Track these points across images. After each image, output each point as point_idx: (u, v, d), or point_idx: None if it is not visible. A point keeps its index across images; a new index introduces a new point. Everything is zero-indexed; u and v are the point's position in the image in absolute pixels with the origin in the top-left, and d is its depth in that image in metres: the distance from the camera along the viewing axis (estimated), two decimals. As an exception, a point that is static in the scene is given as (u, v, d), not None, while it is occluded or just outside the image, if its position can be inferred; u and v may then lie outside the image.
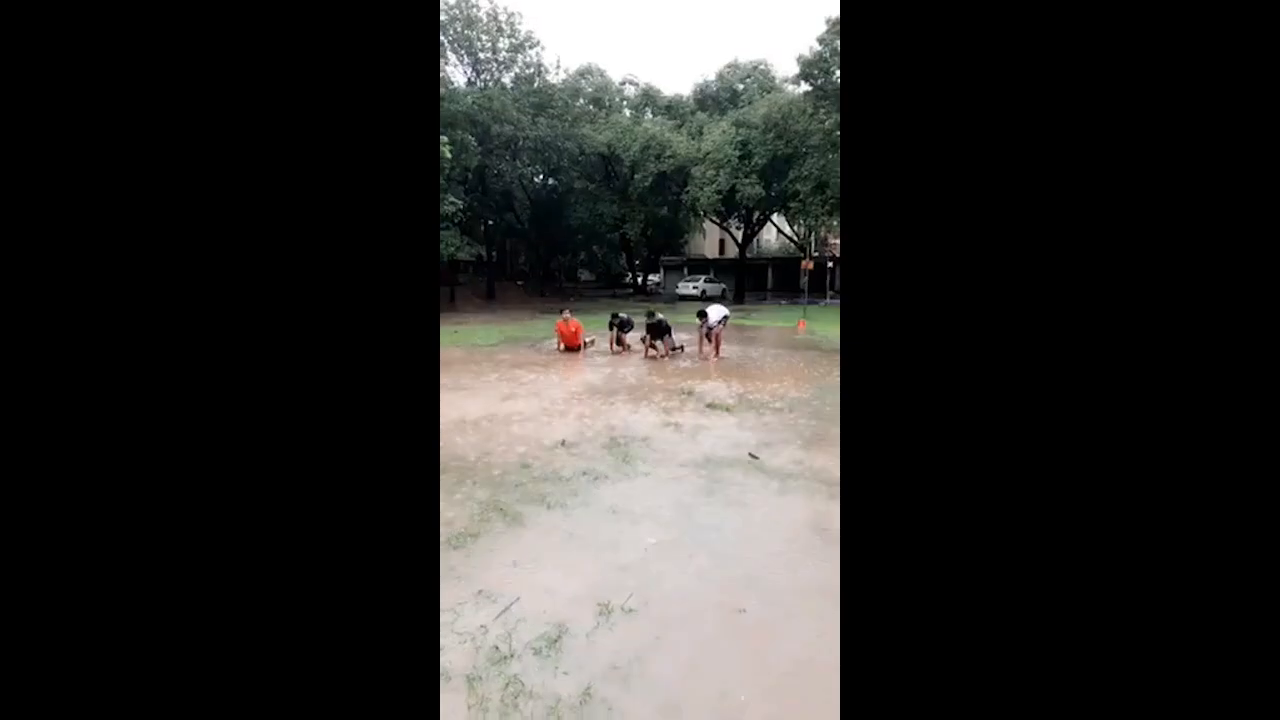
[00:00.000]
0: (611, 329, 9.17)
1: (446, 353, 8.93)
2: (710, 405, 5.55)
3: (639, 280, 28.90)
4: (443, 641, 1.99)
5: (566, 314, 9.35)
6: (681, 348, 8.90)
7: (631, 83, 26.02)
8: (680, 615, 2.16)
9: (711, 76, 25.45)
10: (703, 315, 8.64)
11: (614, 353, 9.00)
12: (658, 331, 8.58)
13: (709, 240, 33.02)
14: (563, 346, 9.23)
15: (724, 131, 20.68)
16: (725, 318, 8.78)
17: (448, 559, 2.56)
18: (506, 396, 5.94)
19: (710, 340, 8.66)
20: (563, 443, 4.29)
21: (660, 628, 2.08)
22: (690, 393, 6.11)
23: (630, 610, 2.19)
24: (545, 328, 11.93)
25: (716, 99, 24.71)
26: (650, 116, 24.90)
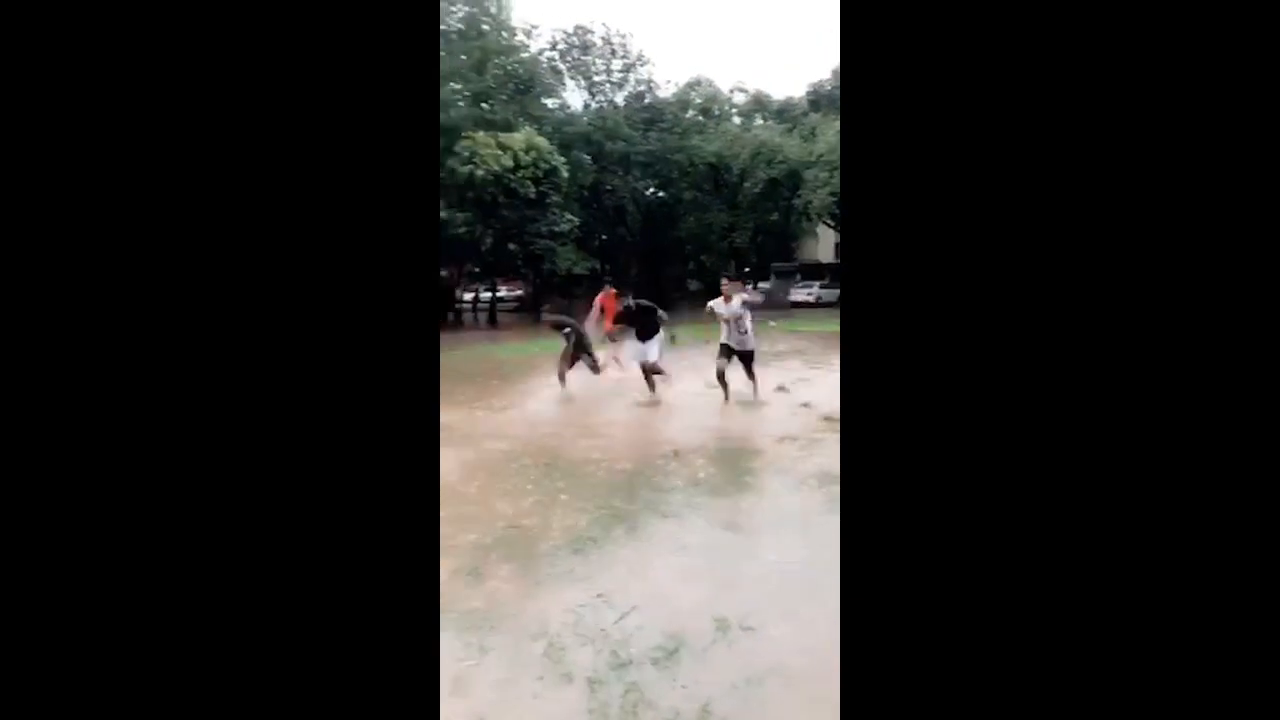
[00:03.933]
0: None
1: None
2: (826, 418, 5.29)
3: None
4: (566, 641, 2.06)
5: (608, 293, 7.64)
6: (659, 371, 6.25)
7: (740, 90, 25.80)
8: (802, 638, 2.06)
9: (826, 75, 24.51)
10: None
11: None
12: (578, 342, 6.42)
13: (823, 244, 31.56)
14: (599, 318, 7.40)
15: (839, 131, 19.76)
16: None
17: (567, 561, 2.67)
18: (614, 403, 6.08)
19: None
20: (675, 453, 4.31)
21: (780, 649, 2.00)
22: (806, 405, 5.87)
23: (749, 628, 2.13)
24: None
25: (832, 98, 23.70)
26: (760, 122, 24.49)
